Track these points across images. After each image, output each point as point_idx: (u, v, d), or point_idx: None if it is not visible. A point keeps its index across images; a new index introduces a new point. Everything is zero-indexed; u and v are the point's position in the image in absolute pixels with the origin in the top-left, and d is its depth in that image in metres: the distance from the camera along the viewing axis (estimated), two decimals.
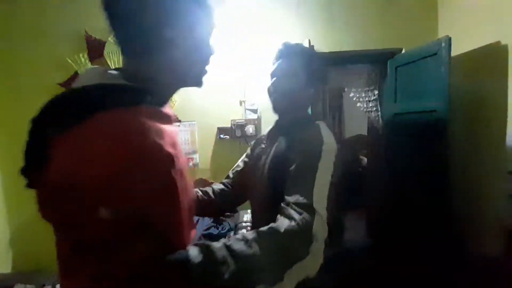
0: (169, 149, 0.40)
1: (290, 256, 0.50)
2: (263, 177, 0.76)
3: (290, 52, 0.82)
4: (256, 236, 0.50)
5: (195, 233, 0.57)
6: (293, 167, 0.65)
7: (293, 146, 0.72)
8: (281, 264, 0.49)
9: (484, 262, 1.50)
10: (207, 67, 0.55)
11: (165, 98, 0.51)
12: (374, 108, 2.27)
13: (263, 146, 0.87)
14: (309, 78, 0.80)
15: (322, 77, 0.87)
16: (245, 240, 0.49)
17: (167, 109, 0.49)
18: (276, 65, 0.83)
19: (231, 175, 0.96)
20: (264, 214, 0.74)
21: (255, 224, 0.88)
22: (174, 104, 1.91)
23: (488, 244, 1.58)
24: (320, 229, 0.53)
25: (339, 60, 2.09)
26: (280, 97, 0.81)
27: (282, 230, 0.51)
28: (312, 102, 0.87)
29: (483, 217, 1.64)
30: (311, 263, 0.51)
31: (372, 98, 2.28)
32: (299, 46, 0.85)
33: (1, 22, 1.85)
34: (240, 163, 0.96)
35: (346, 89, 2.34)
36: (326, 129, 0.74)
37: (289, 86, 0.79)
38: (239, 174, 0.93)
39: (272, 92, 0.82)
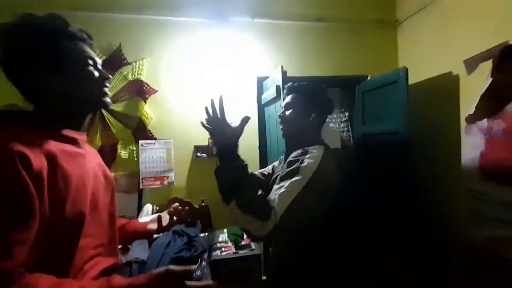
0: (21, 147, 0.48)
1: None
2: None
3: (299, 88, 1.01)
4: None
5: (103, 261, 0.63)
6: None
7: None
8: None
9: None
10: (104, 89, 0.64)
11: (74, 123, 0.62)
12: (346, 129, 2.41)
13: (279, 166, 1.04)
14: (314, 107, 0.96)
15: (328, 106, 1.03)
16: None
17: (74, 133, 0.61)
18: (286, 99, 1.01)
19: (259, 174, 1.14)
20: None
21: None
22: (149, 122, 1.91)
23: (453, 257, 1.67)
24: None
25: (317, 84, 2.23)
26: (288, 125, 0.98)
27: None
28: (318, 126, 1.00)
29: (445, 231, 1.75)
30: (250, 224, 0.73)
31: (343, 119, 2.42)
32: (303, 84, 1.02)
33: None
34: (267, 169, 1.16)
35: None
36: (317, 152, 0.86)
37: (294, 115, 0.96)
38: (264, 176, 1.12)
39: (281, 121, 1.00)
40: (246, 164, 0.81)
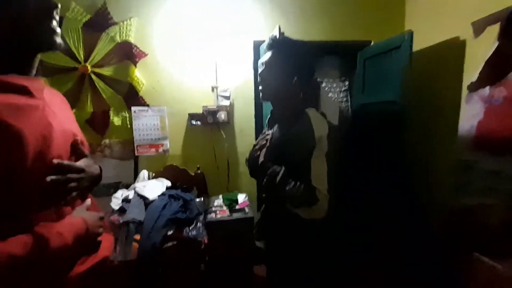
0: None
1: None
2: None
3: (276, 44, 0.88)
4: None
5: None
6: (294, 158, 0.82)
7: (288, 138, 0.86)
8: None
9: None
10: (51, 24, 0.53)
11: (19, 66, 0.51)
12: (345, 99, 2.35)
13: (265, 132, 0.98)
14: (296, 68, 0.85)
15: (308, 66, 0.90)
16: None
17: (22, 79, 0.51)
18: (264, 56, 0.89)
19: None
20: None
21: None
22: (141, 88, 1.84)
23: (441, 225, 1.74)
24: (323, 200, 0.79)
25: (315, 49, 2.12)
26: (267, 87, 0.88)
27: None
28: (301, 91, 0.90)
29: (436, 200, 1.80)
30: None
31: (343, 89, 2.35)
32: (285, 38, 0.92)
33: None
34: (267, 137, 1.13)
35: (320, 80, 2.38)
36: (315, 116, 0.84)
37: (274, 75, 0.85)
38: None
39: (260, 81, 0.90)
40: (280, 170, 0.83)
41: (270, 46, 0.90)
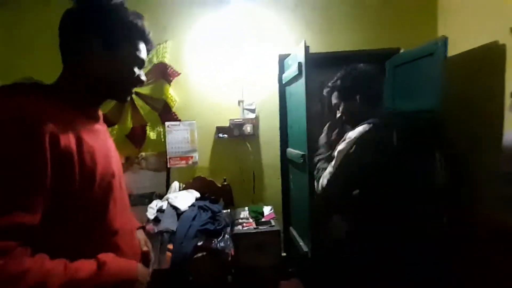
0: (52, 125, 0.48)
1: None
2: None
3: (337, 88, 1.15)
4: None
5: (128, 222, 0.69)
6: None
7: None
8: None
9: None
10: (132, 89, 0.68)
11: (93, 102, 0.65)
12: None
13: None
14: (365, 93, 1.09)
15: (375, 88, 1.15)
16: None
17: (95, 110, 0.66)
18: (333, 101, 1.17)
19: None
20: None
21: None
22: (174, 105, 1.98)
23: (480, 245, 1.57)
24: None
25: (341, 60, 2.11)
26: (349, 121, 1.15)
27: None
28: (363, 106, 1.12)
29: (476, 216, 1.64)
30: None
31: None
32: (347, 79, 1.13)
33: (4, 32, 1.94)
34: None
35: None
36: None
37: (347, 111, 1.14)
38: None
39: (345, 121, 1.17)
40: None
41: (332, 90, 1.18)
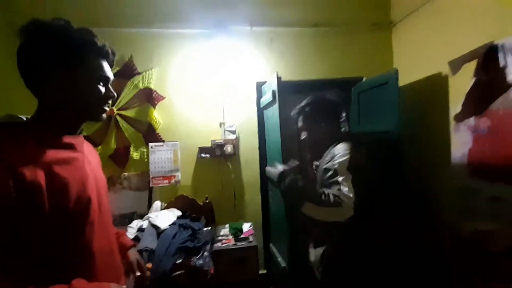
0: (18, 164, 0.52)
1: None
2: None
3: (302, 113, 1.27)
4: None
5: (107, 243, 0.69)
6: None
7: None
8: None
9: None
10: (105, 107, 0.69)
11: (70, 128, 0.66)
12: (343, 129, 2.49)
13: None
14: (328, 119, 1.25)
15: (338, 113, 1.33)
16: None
17: (70, 138, 0.65)
18: (299, 124, 1.29)
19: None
20: None
21: None
22: (158, 126, 2.09)
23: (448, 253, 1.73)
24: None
25: (313, 87, 2.35)
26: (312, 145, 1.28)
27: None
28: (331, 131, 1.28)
29: (436, 225, 1.81)
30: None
31: (341, 120, 2.50)
32: (309, 104, 1.25)
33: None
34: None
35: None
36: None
37: (312, 135, 1.26)
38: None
39: (307, 144, 1.30)
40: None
41: (298, 115, 1.29)
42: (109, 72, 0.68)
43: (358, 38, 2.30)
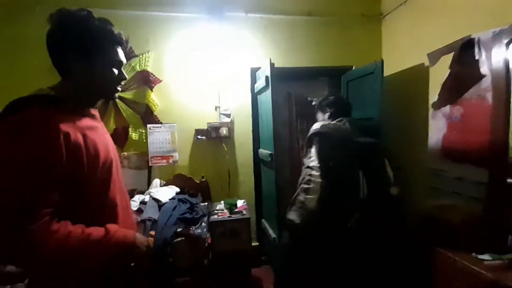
0: (64, 128, 0.62)
1: None
2: None
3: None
4: None
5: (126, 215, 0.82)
6: None
7: None
8: None
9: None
10: (118, 87, 0.80)
11: (89, 103, 0.78)
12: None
13: None
14: None
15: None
16: None
17: (92, 110, 0.78)
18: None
19: None
20: None
21: None
22: (156, 108, 2.17)
23: (414, 228, 1.95)
24: None
25: (304, 74, 2.46)
26: None
27: None
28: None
29: (409, 203, 2.02)
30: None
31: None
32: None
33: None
34: None
35: (311, 99, 2.70)
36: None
37: None
38: None
39: None
40: None
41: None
42: (122, 57, 0.78)
43: (349, 28, 2.39)
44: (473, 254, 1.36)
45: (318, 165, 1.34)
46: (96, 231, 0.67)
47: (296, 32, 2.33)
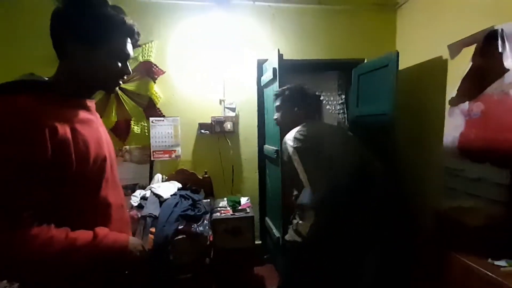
0: (50, 121, 0.56)
1: None
2: None
3: (282, 94, 1.34)
4: None
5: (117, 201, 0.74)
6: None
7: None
8: None
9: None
10: (119, 81, 0.73)
11: (84, 93, 0.70)
12: (342, 111, 2.53)
13: None
14: (296, 102, 1.30)
15: (303, 95, 1.33)
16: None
17: (87, 101, 0.70)
18: (275, 104, 1.38)
19: None
20: None
21: None
22: (159, 101, 2.10)
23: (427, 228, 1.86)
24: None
25: (313, 66, 2.35)
26: (282, 121, 1.37)
27: None
28: (300, 116, 1.30)
29: (422, 204, 1.93)
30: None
31: (340, 102, 2.54)
32: (290, 89, 1.33)
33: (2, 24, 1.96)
34: None
35: (319, 93, 2.60)
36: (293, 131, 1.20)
37: (284, 116, 1.34)
38: None
39: (278, 123, 1.40)
40: None
41: (277, 96, 1.36)
42: (130, 50, 0.71)
43: (361, 18, 2.27)
44: (489, 259, 1.27)
45: (309, 189, 1.10)
46: (83, 235, 0.61)
47: (305, 22, 2.21)
